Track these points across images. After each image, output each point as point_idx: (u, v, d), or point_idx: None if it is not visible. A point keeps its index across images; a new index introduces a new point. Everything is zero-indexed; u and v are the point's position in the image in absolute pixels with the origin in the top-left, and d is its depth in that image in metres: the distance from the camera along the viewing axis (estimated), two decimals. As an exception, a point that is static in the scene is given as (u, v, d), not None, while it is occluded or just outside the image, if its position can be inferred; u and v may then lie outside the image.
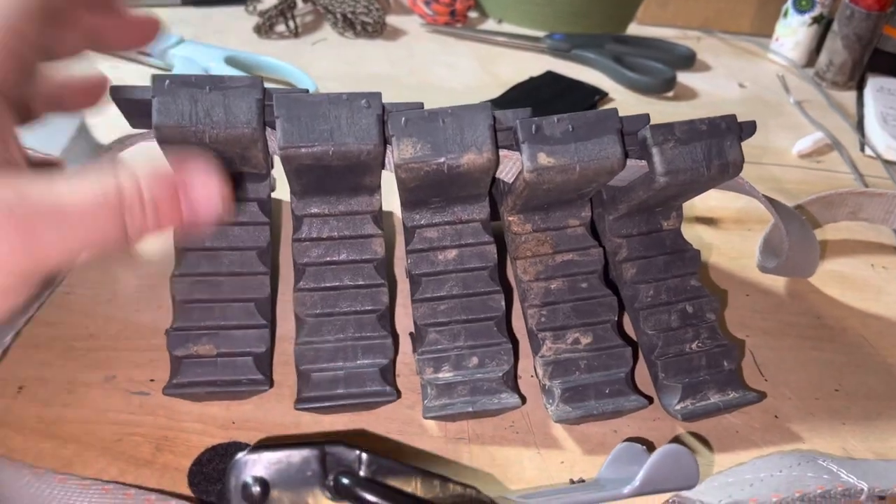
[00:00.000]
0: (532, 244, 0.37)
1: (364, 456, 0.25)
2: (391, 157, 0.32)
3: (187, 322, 0.34)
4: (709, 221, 0.50)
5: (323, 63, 0.62)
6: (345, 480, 0.25)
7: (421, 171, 0.32)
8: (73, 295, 0.38)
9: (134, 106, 0.32)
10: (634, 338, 0.38)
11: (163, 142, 0.32)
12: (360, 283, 0.35)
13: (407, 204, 0.36)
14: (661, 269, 0.38)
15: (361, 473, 0.25)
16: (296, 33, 0.65)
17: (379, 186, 0.36)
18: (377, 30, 0.67)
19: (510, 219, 0.37)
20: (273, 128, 0.32)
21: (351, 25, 0.66)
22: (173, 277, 0.34)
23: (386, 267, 0.36)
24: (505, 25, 0.73)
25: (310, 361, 0.34)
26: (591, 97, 0.62)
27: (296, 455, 0.25)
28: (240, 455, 0.25)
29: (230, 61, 0.56)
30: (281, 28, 0.65)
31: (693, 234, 0.48)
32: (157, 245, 0.41)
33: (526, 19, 0.73)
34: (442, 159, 0.32)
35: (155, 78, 0.31)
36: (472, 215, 0.37)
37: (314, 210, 0.36)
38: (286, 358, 0.35)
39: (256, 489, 0.24)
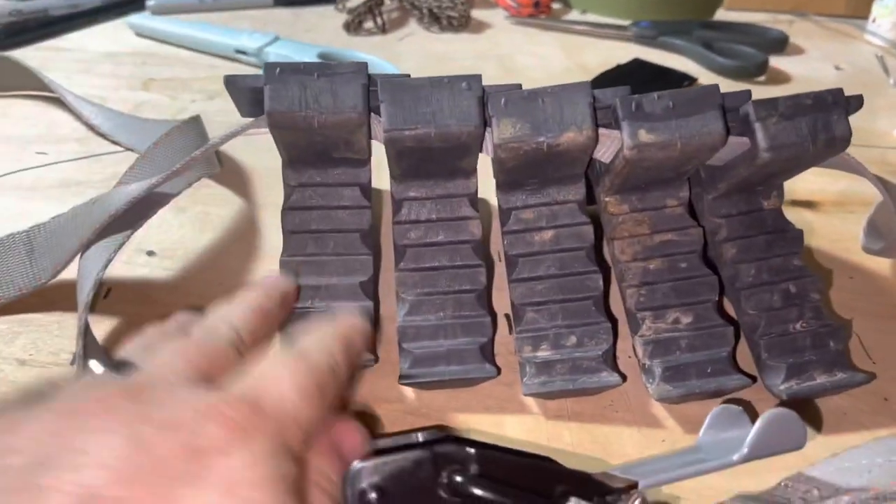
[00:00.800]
0: (629, 225, 0.37)
1: (473, 452, 0.26)
2: (490, 139, 0.33)
3: (296, 301, 0.35)
4: (809, 205, 0.49)
5: (411, 58, 0.64)
6: (458, 479, 0.25)
7: (520, 150, 0.33)
8: (166, 260, 0.40)
9: (246, 95, 0.34)
10: (736, 318, 0.37)
11: (275, 127, 0.33)
12: (458, 263, 0.36)
13: (503, 186, 0.37)
14: (762, 248, 0.37)
15: (472, 469, 0.26)
16: (383, 29, 0.67)
17: (475, 170, 0.37)
18: (462, 23, 0.68)
19: (607, 199, 0.37)
20: (377, 113, 0.33)
21: (436, 20, 0.67)
22: (282, 259, 0.36)
23: (482, 249, 0.37)
24: (589, 15, 0.73)
25: (412, 339, 0.35)
26: (679, 83, 0.61)
27: (409, 458, 0.26)
28: (355, 463, 0.25)
29: (323, 57, 0.58)
30: (369, 25, 0.67)
31: (793, 217, 0.47)
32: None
33: (610, 9, 0.72)
34: (542, 138, 0.32)
35: (267, 66, 0.33)
36: (567, 196, 0.37)
37: (413, 193, 0.37)
38: (389, 336, 0.36)
39: (373, 496, 0.25)
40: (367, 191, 0.37)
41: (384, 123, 0.32)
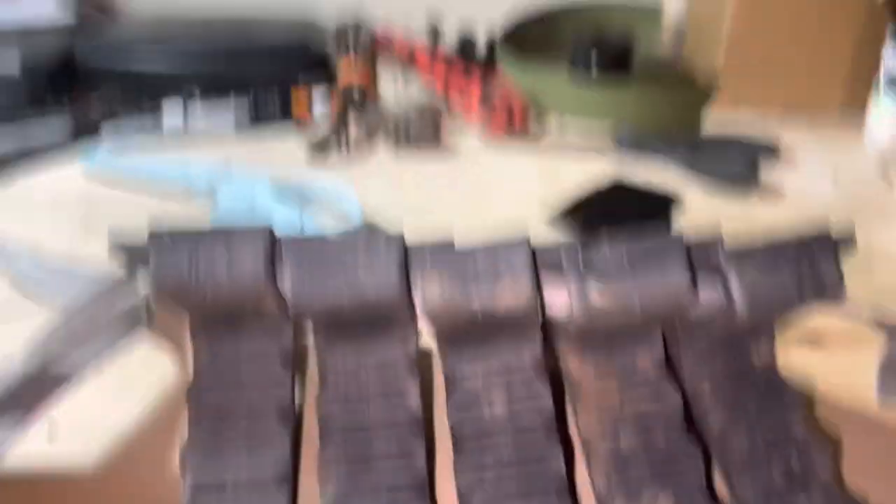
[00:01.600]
0: (595, 393, 0.31)
1: None
2: (418, 302, 0.28)
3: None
4: (811, 341, 0.43)
5: (377, 184, 0.60)
6: None
7: (450, 314, 0.28)
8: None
9: (132, 255, 0.29)
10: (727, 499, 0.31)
11: (165, 302, 0.28)
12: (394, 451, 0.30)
13: (443, 348, 0.32)
14: (755, 414, 0.31)
15: None
16: (348, 151, 0.64)
17: (414, 332, 0.32)
18: (434, 146, 0.64)
19: (568, 362, 0.32)
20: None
21: (407, 141, 0.64)
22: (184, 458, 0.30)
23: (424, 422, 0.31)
24: (568, 132, 0.69)
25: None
26: (664, 206, 0.57)
27: None
28: None
29: (277, 190, 0.54)
30: (333, 148, 0.64)
31: (792, 360, 0.41)
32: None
33: (589, 122, 0.69)
34: (474, 303, 0.27)
35: (152, 235, 0.28)
36: (522, 359, 0.32)
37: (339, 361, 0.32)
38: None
39: None
40: (288, 358, 0.32)
41: (287, 292, 0.28)
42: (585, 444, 0.31)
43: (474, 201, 0.58)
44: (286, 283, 0.28)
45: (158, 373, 0.40)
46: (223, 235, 0.28)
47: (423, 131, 0.64)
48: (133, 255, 0.29)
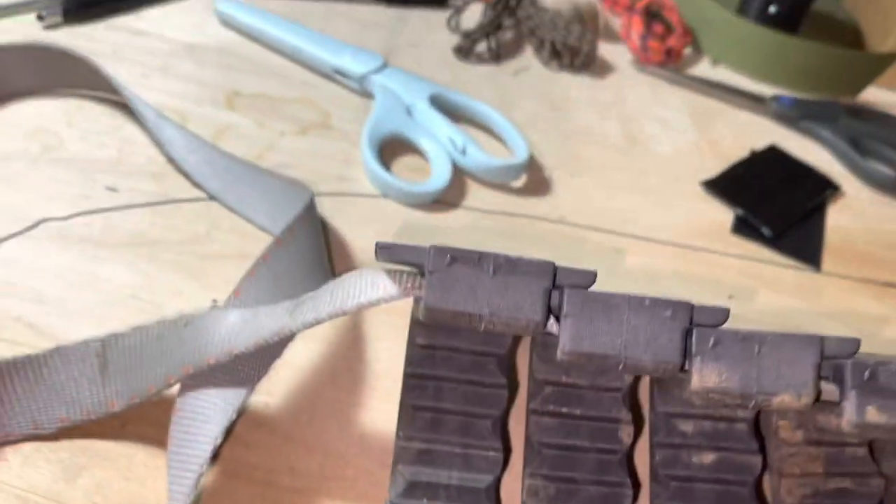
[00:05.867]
0: (801, 459, 0.32)
1: None
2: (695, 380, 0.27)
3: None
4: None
5: (526, 103, 0.56)
6: None
7: (722, 402, 0.27)
8: (271, 409, 0.35)
9: (401, 263, 0.28)
10: None
11: (431, 321, 0.27)
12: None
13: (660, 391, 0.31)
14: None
15: None
16: (497, 57, 0.59)
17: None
18: (586, 63, 0.60)
19: (780, 423, 0.32)
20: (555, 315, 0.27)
21: (557, 56, 0.60)
22: (399, 443, 0.30)
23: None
24: (723, 72, 0.65)
25: None
26: (820, 190, 0.54)
27: None
28: None
29: (435, 100, 0.51)
30: (481, 49, 0.59)
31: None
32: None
33: (746, 66, 0.64)
34: (751, 399, 0.27)
35: (436, 250, 0.26)
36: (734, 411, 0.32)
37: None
38: None
39: None
40: (505, 364, 0.32)
41: (564, 344, 0.27)
42: (779, 505, 0.32)
43: (623, 144, 0.55)
44: (563, 332, 0.26)
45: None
46: (506, 265, 0.26)
47: (577, 46, 0.59)
48: (395, 256, 0.27)
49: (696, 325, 0.27)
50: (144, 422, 0.33)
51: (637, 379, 0.34)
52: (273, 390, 0.35)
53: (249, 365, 0.31)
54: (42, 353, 0.31)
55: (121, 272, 0.39)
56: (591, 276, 0.28)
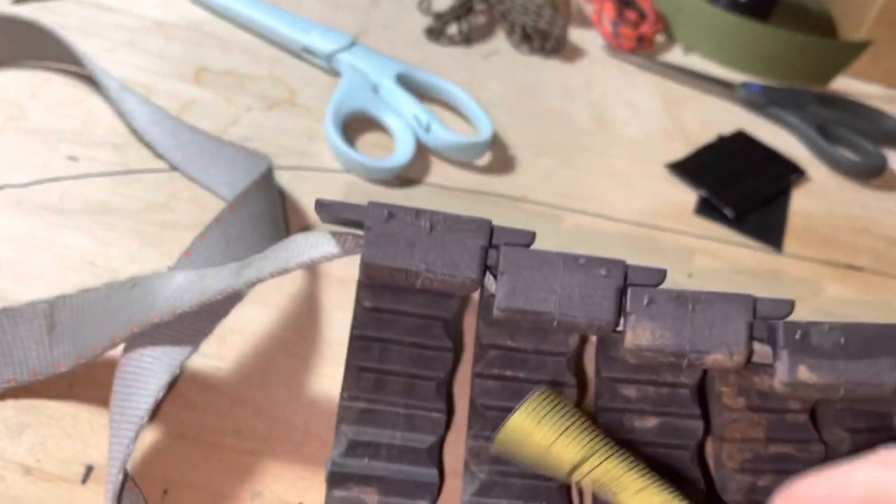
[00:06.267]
0: (743, 424, 0.32)
1: None
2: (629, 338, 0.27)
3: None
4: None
5: (495, 85, 0.57)
6: None
7: (653, 359, 0.27)
8: (222, 372, 0.35)
9: (341, 222, 0.28)
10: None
11: (368, 277, 0.27)
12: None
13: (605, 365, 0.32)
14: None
15: None
16: (467, 40, 0.59)
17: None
18: (555, 48, 0.60)
19: (722, 389, 0.32)
20: (493, 273, 0.27)
21: (527, 39, 0.60)
22: (342, 403, 0.31)
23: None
24: (694, 59, 0.65)
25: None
26: (786, 174, 0.55)
27: None
28: None
29: (401, 79, 0.51)
30: (452, 31, 0.59)
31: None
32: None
33: (718, 54, 0.65)
34: (684, 356, 0.27)
35: (373, 206, 0.27)
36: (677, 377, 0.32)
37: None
38: None
39: None
40: (451, 328, 0.32)
41: (499, 301, 0.27)
42: (721, 471, 0.32)
43: (592, 127, 0.55)
44: (499, 289, 0.27)
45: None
46: (444, 222, 0.27)
47: (547, 30, 0.59)
48: (333, 213, 0.28)
49: (631, 284, 0.27)
50: (92, 383, 0.33)
51: (583, 344, 0.34)
52: (225, 355, 0.36)
53: (194, 324, 0.31)
54: (-12, 314, 0.31)
55: (78, 239, 0.39)
56: (529, 236, 0.28)
